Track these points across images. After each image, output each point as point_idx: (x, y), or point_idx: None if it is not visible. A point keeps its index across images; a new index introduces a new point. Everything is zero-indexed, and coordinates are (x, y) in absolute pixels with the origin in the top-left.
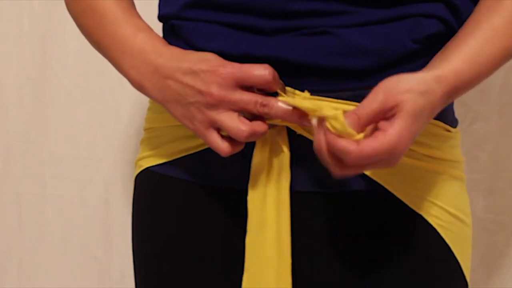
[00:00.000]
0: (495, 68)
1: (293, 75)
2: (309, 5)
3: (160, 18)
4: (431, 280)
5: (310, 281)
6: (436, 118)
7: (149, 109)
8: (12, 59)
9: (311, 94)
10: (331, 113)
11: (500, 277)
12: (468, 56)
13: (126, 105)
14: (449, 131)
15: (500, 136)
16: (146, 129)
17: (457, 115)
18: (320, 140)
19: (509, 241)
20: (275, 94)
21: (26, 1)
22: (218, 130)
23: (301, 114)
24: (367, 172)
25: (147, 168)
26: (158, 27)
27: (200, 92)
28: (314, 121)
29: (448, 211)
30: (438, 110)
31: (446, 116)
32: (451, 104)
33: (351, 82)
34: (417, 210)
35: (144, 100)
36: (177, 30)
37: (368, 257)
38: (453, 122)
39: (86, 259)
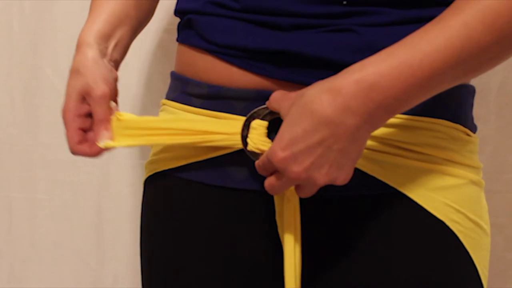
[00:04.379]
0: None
1: (311, 69)
2: (329, 8)
3: (178, 12)
4: (449, 286)
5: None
6: (456, 121)
7: (161, 110)
8: (2, 61)
9: None
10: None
11: (499, 280)
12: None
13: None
14: (469, 135)
15: (498, 138)
16: None
17: None
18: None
19: (507, 244)
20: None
21: (16, 2)
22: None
23: None
24: (381, 177)
25: (161, 171)
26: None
27: None
28: None
29: (469, 217)
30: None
31: (466, 121)
32: (471, 110)
33: None
34: (438, 216)
35: (136, 102)
36: (193, 25)
37: (385, 261)
38: (473, 128)
39: (78, 263)
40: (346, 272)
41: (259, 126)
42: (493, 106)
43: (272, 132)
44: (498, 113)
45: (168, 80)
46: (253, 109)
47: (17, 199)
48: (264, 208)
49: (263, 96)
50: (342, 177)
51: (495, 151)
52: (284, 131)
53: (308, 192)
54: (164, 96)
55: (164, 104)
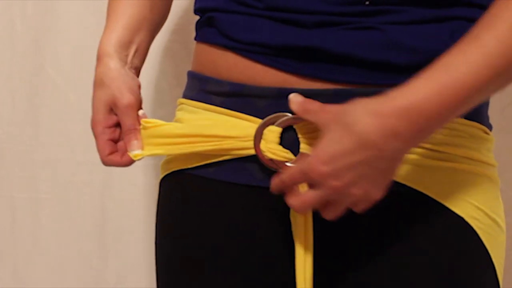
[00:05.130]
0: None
1: (334, 65)
2: (351, 8)
3: (197, 10)
4: (468, 283)
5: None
6: (473, 120)
7: (179, 110)
8: (4, 60)
9: (344, 85)
10: None
11: (504, 279)
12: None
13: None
14: (487, 133)
15: (500, 137)
16: None
17: None
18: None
19: (510, 243)
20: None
21: (18, 2)
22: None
23: None
24: (398, 178)
25: (179, 170)
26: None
27: None
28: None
29: (487, 214)
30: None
31: (483, 119)
32: (487, 109)
33: (390, 77)
34: (457, 212)
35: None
36: (214, 22)
37: (403, 257)
38: (489, 127)
39: (81, 263)
40: (362, 269)
41: (272, 133)
42: (496, 105)
43: (283, 139)
44: (501, 111)
45: (172, 80)
46: (275, 107)
47: (20, 199)
48: (282, 206)
49: (285, 93)
50: (377, 194)
51: (497, 150)
52: (324, 147)
53: (337, 212)
54: (169, 96)
55: (181, 103)
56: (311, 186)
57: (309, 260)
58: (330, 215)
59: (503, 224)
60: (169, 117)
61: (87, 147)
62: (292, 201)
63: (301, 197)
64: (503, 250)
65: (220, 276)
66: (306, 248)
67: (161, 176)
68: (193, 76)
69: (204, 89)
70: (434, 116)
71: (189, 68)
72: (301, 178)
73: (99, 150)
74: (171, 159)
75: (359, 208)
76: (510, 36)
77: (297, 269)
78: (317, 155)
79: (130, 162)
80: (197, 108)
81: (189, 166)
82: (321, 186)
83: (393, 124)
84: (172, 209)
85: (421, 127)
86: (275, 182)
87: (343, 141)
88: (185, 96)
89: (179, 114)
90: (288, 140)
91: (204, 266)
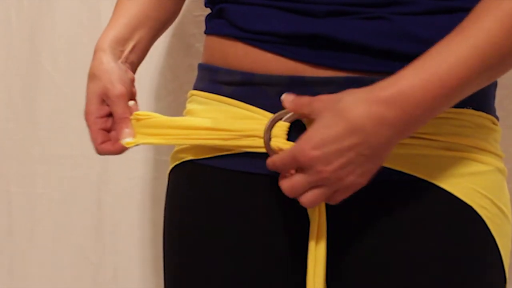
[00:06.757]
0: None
1: (343, 53)
2: (362, 0)
3: (208, 2)
4: (475, 271)
5: (349, 275)
6: (481, 110)
7: (189, 102)
8: (0, 56)
9: (354, 73)
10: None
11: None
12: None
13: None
14: (494, 124)
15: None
16: None
17: None
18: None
19: None
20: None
21: None
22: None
23: None
24: (407, 170)
25: (189, 160)
26: None
27: None
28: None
29: (495, 203)
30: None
31: (490, 110)
32: (493, 101)
33: (399, 66)
34: (466, 201)
35: (138, 97)
36: (225, 14)
37: (412, 245)
38: (496, 117)
39: (78, 258)
40: (369, 256)
41: (280, 128)
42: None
43: (294, 132)
44: (500, 103)
45: (168, 74)
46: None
47: (16, 194)
48: None
49: (296, 81)
50: (362, 180)
51: None
52: (315, 131)
53: (321, 197)
54: (164, 90)
55: (192, 95)
56: (300, 170)
57: (321, 247)
58: (312, 199)
59: (509, 214)
60: (166, 110)
61: (83, 142)
62: (283, 184)
63: (290, 181)
64: (509, 240)
65: (231, 263)
66: (318, 235)
67: (171, 166)
68: (203, 68)
69: (214, 79)
70: (422, 104)
71: (186, 62)
72: (292, 162)
73: (92, 139)
74: (182, 149)
75: (342, 195)
76: (497, 27)
77: (309, 254)
78: (308, 139)
79: (122, 149)
80: (208, 99)
81: (200, 157)
82: (310, 171)
83: (382, 111)
84: (183, 199)
85: (410, 115)
86: (267, 163)
87: (334, 126)
88: (196, 87)
89: (189, 106)
90: (298, 134)
91: (215, 254)
